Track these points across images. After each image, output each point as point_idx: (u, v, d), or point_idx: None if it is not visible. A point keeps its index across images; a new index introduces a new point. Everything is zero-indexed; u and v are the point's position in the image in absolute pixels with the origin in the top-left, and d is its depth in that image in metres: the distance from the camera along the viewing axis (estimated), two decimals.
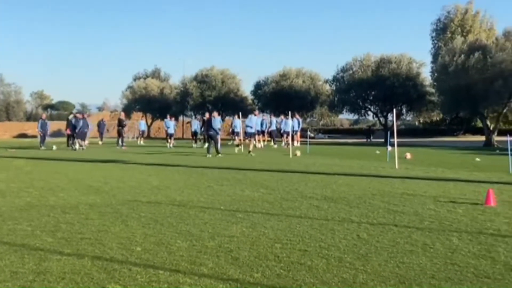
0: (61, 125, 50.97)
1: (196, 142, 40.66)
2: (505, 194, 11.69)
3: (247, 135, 29.86)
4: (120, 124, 38.68)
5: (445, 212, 9.27)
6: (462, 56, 44.42)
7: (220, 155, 25.10)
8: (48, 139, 37.74)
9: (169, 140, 39.25)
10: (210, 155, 25.08)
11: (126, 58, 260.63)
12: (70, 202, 10.28)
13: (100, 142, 41.67)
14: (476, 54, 43.53)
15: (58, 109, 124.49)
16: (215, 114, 27.71)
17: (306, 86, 61.89)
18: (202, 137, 40.34)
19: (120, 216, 8.71)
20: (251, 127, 29.27)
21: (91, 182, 13.91)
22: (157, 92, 74.57)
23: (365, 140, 60.75)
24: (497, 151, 32.72)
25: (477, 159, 24.29)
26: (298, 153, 27.33)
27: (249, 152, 27.27)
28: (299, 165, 19.98)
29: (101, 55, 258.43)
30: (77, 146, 32.94)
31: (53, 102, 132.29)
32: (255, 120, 29.78)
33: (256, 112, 29.79)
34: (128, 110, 71.81)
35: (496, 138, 45.49)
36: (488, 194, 10.21)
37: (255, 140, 30.56)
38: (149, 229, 7.68)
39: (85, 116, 37.92)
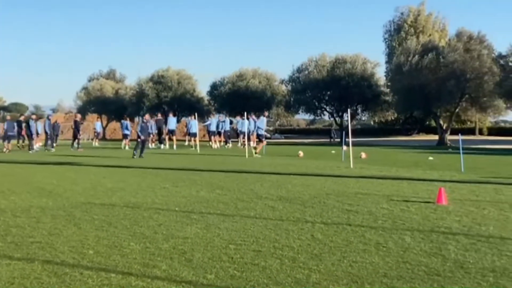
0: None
1: (153, 142, 40.26)
2: (456, 192, 11.91)
3: (258, 136, 29.36)
4: (76, 125, 38.17)
5: (398, 211, 9.40)
6: (416, 56, 45.20)
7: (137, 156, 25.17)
8: None
9: (124, 141, 38.85)
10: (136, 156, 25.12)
11: (81, 58, 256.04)
12: (21, 205, 10.08)
13: (54, 144, 40.93)
14: (430, 55, 44.33)
15: (11, 111, 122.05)
16: (146, 117, 28.54)
17: (262, 86, 61.89)
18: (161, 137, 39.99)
19: (73, 219, 8.59)
20: (262, 129, 28.82)
21: (43, 184, 13.68)
22: (112, 93, 73.84)
23: (328, 140, 60.70)
24: (450, 150, 33.41)
25: (430, 158, 24.70)
26: (301, 153, 27.42)
27: (255, 153, 27.07)
28: (255, 166, 20.00)
29: (55, 55, 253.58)
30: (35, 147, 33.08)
31: (6, 104, 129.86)
32: (266, 122, 29.39)
33: (266, 113, 29.56)
34: (83, 111, 70.81)
35: (449, 137, 46.44)
36: (439, 193, 10.38)
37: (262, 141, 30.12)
38: (102, 232, 7.58)
39: (50, 117, 37.90)
